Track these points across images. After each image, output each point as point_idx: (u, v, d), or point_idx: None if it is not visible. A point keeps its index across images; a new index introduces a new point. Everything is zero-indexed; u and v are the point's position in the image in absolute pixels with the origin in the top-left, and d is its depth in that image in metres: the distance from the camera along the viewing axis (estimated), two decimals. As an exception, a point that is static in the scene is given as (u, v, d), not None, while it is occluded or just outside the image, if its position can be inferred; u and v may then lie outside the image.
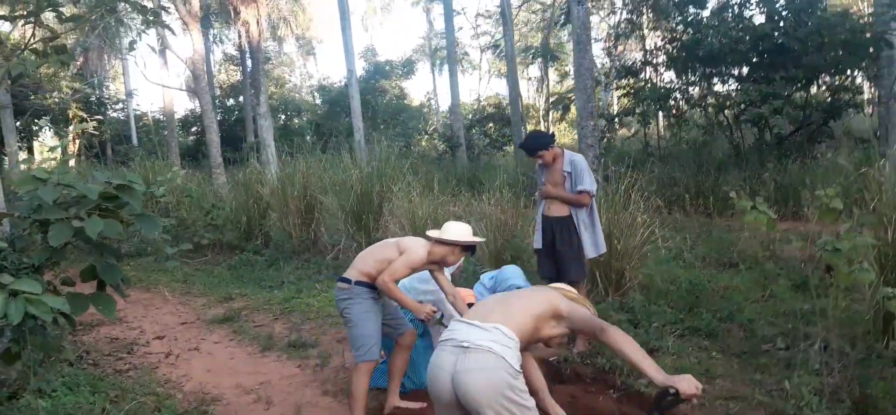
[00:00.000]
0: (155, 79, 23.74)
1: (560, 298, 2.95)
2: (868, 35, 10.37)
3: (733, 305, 5.83)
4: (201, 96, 13.98)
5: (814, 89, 12.47)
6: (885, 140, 9.08)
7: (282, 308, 7.05)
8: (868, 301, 4.07)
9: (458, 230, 4.10)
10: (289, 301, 7.23)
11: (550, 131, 8.12)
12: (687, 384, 2.52)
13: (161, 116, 24.56)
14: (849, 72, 11.67)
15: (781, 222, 9.39)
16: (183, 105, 29.38)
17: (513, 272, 5.61)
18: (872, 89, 10.93)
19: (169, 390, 4.93)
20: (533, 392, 2.97)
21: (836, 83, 12.15)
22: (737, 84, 12.88)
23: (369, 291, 4.01)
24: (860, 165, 10.75)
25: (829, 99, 12.13)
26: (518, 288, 4.47)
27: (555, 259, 5.21)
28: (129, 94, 24.54)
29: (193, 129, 26.78)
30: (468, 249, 4.19)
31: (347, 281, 4.04)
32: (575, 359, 4.97)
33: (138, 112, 25.97)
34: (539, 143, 5.14)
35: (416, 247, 4.03)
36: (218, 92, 26.80)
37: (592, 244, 5.21)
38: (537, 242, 5.29)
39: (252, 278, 8.59)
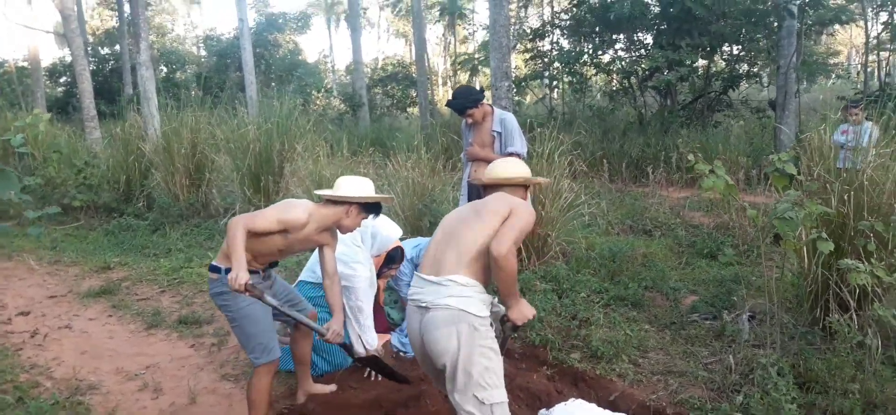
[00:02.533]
0: (17, 19, 21.15)
1: (506, 202, 2.82)
2: (769, 4, 10.67)
3: (655, 273, 5.72)
4: (72, 40, 12.44)
5: (717, 59, 12.82)
6: (782, 109, 9.36)
7: (169, 279, 6.30)
8: (809, 273, 3.96)
9: (354, 185, 3.35)
10: (177, 271, 6.48)
11: (479, 86, 7.69)
12: (517, 313, 2.72)
13: (25, 63, 22.06)
14: (750, 40, 12.03)
15: (685, 190, 9.59)
16: (50, 54, 26.73)
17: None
18: (772, 58, 11.31)
19: (35, 377, 4.21)
20: None
21: (736, 53, 12.53)
22: (640, 51, 13.00)
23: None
24: (756, 134, 11.29)
25: (729, 69, 12.51)
26: None
27: None
28: (-14, 38, 21.86)
29: (62, 79, 24.37)
30: (370, 209, 3.43)
31: (217, 270, 3.25)
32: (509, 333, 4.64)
33: (-2, 60, 23.28)
34: (469, 100, 4.69)
35: (296, 203, 3.30)
36: (91, 39, 24.41)
37: None
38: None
39: (133, 245, 7.69)
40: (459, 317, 2.58)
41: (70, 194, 8.96)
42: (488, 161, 4.75)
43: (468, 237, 2.72)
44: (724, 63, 12.92)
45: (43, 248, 7.65)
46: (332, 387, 3.92)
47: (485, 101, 4.78)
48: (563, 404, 3.65)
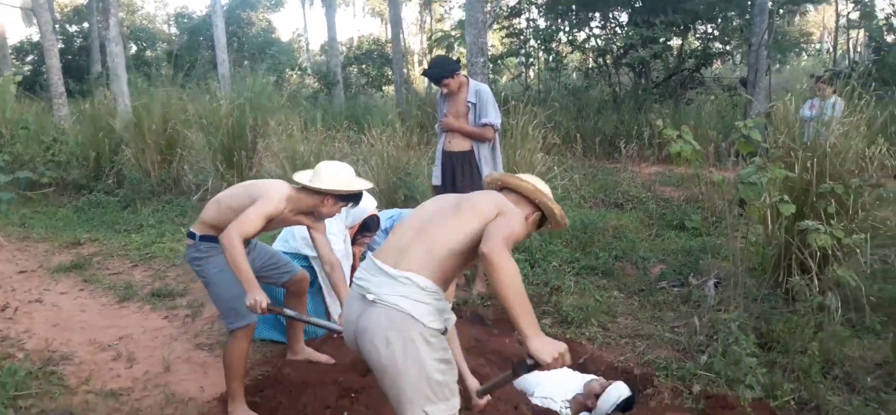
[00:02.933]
0: (-20, -4, 20.59)
1: (496, 203, 2.30)
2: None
3: (626, 244, 5.84)
4: (39, 15, 12.14)
5: (690, 37, 12.97)
6: (753, 87, 9.52)
7: (141, 254, 6.25)
8: (772, 236, 4.09)
9: (334, 175, 3.20)
10: (149, 246, 6.43)
11: (456, 57, 7.67)
12: (540, 347, 2.01)
13: (-11, 40, 21.52)
14: (724, 19, 12.19)
15: (656, 166, 9.74)
16: (16, 33, 26.07)
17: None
18: (745, 37, 11.48)
19: (6, 349, 4.16)
20: None
21: (710, 32, 12.69)
22: (614, 28, 13.11)
23: (218, 245, 3.13)
24: (727, 111, 11.48)
25: (702, 47, 12.67)
26: None
27: None
28: (-52, 14, 21.24)
29: (29, 58, 23.81)
30: (348, 198, 3.30)
31: (193, 235, 3.27)
32: (475, 300, 4.72)
33: (-38, 37, 22.64)
34: (445, 69, 4.69)
35: (273, 195, 3.15)
36: (59, 16, 23.87)
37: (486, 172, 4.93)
38: (436, 178, 4.92)
39: (104, 221, 7.61)
40: (409, 325, 2.13)
41: (38, 171, 8.80)
42: (463, 133, 4.79)
43: (439, 234, 2.27)
44: (697, 41, 13.08)
45: (11, 224, 7.53)
46: (326, 358, 3.88)
47: (461, 72, 4.80)
48: None
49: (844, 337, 3.55)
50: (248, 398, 3.35)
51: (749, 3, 10.50)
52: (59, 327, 4.59)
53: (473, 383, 2.68)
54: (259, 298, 2.97)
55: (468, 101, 4.72)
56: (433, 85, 4.97)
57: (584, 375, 3.66)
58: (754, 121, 3.65)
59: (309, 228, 3.41)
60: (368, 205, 4.48)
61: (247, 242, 3.30)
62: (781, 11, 12.14)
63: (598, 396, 3.39)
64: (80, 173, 9.12)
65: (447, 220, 2.29)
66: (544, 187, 2.52)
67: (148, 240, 6.63)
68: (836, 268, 3.44)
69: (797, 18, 26.35)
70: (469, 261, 2.31)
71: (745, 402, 2.97)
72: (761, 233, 4.28)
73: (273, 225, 3.31)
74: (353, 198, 3.31)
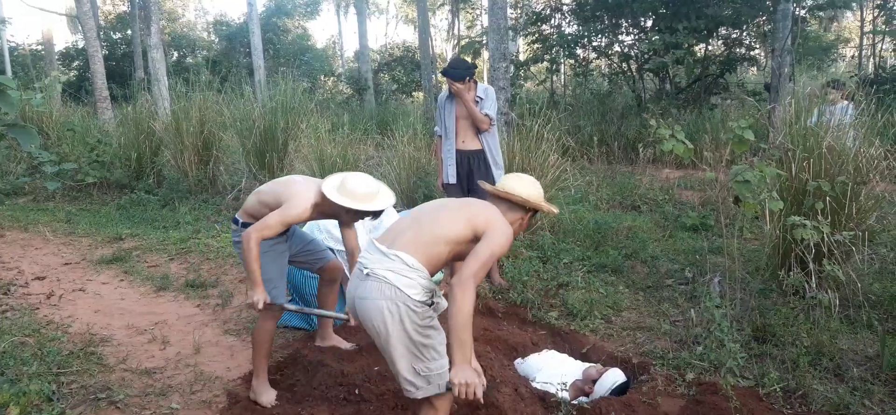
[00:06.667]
0: (32, 2, 21.48)
1: (486, 217, 2.61)
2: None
3: (637, 244, 6.00)
4: (84, 22, 12.77)
5: (713, 42, 13.00)
6: (776, 92, 9.55)
7: (178, 249, 6.62)
8: (769, 233, 4.24)
9: (355, 191, 3.33)
10: (185, 242, 6.81)
11: (474, 62, 7.98)
12: (458, 373, 2.38)
13: (39, 47, 22.46)
14: (746, 24, 12.20)
15: (678, 171, 9.81)
16: (63, 39, 27.03)
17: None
18: (767, 43, 11.48)
19: (51, 332, 4.52)
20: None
21: (733, 37, 12.69)
22: (639, 34, 13.20)
23: None
24: (752, 116, 11.47)
25: (726, 52, 12.69)
26: None
27: (469, 194, 5.13)
28: (2, 22, 22.24)
29: (75, 63, 24.72)
30: (368, 213, 3.44)
31: (237, 222, 3.64)
32: (487, 294, 4.94)
33: (13, 44, 23.63)
34: (469, 69, 5.06)
35: (299, 200, 3.36)
36: (103, 23, 24.77)
37: (501, 170, 5.21)
38: (450, 176, 5.18)
39: (144, 219, 8.04)
40: (394, 294, 2.45)
41: (84, 170, 9.29)
42: (468, 107, 5.02)
43: (429, 224, 2.62)
44: (722, 45, 13.09)
45: (58, 221, 7.99)
46: (351, 345, 4.13)
47: (474, 75, 5.13)
48: (536, 354, 3.96)
49: (835, 330, 3.68)
50: (270, 376, 3.64)
51: (772, 8, 10.52)
52: (100, 314, 4.94)
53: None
54: (257, 297, 3.31)
55: (477, 97, 5.02)
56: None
57: (583, 362, 3.88)
58: (746, 121, 3.81)
59: (340, 224, 3.69)
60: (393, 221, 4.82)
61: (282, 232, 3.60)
62: (806, 16, 12.10)
63: (594, 381, 3.61)
64: (123, 173, 9.59)
65: (440, 215, 2.66)
66: (533, 190, 2.82)
67: (184, 236, 7.00)
68: (827, 264, 3.58)
69: (834, 24, 25.99)
70: (457, 254, 2.63)
71: (728, 385, 3.15)
72: (767, 231, 4.43)
73: (301, 224, 3.63)
74: (374, 213, 3.46)
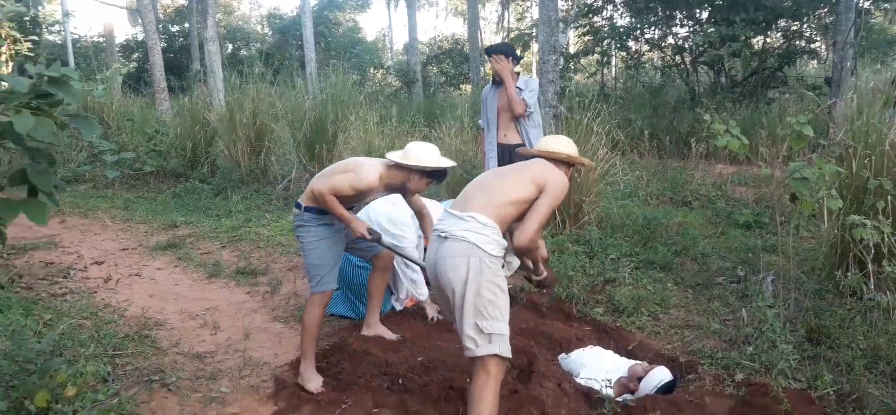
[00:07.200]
0: (94, -3, 22.22)
1: (543, 172, 2.96)
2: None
3: (688, 240, 5.87)
4: (144, 15, 13.17)
5: (771, 34, 12.59)
6: (837, 87, 9.19)
7: (230, 237, 6.79)
8: (827, 232, 4.09)
9: (421, 152, 3.58)
10: (237, 230, 6.98)
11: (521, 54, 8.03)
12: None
13: (100, 39, 23.25)
14: (807, 16, 11.78)
15: (732, 166, 9.55)
16: (123, 32, 27.90)
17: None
18: (829, 36, 11.06)
19: (108, 315, 4.70)
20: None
21: (793, 29, 12.27)
22: (694, 26, 12.87)
23: (320, 217, 3.65)
24: (811, 111, 11.07)
25: (785, 45, 12.27)
26: None
27: None
28: (66, 15, 23.10)
29: (135, 55, 25.54)
30: (434, 175, 3.64)
31: (299, 206, 3.73)
32: (531, 288, 4.90)
33: (76, 36, 24.52)
34: (509, 48, 5.12)
35: (367, 168, 3.57)
36: (162, 17, 25.50)
37: None
38: (492, 168, 5.17)
39: (198, 207, 8.26)
40: (471, 251, 2.72)
41: (141, 159, 9.60)
42: (508, 86, 5.01)
43: (498, 186, 2.92)
44: (781, 38, 12.66)
45: (116, 207, 8.29)
46: (396, 336, 4.17)
47: (518, 64, 5.12)
48: (580, 349, 3.92)
49: (894, 333, 3.54)
50: (316, 363, 3.70)
51: (835, 0, 10.12)
52: (154, 298, 5.11)
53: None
54: (361, 228, 3.60)
55: (517, 87, 5.00)
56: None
57: (629, 359, 3.81)
58: (805, 116, 3.68)
59: (407, 199, 3.87)
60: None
61: (349, 201, 3.72)
62: (870, 8, 11.60)
63: (640, 379, 3.54)
64: (178, 162, 9.88)
65: (506, 178, 3.00)
66: (572, 148, 3.25)
67: (236, 224, 7.17)
68: (887, 265, 3.44)
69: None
70: (522, 212, 2.92)
71: (779, 387, 3.06)
72: (825, 230, 4.28)
73: (368, 197, 3.88)
74: (437, 175, 3.67)
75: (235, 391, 3.57)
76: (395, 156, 3.62)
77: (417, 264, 4.31)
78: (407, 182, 3.62)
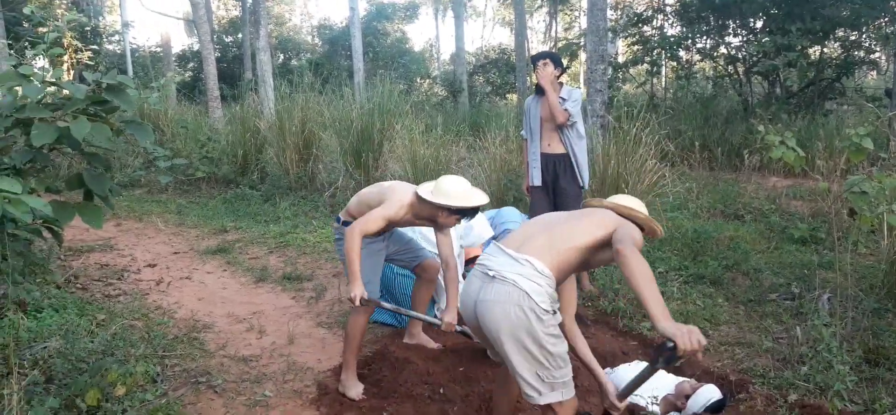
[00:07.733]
0: (152, 6, 23.03)
1: (613, 222, 2.59)
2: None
3: (739, 255, 5.71)
4: (199, 27, 13.56)
5: (829, 44, 12.20)
6: (897, 98, 8.83)
7: (277, 242, 6.91)
8: (887, 249, 3.92)
9: (449, 190, 3.43)
10: (284, 236, 7.09)
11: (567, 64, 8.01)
12: (687, 339, 2.08)
13: (158, 49, 24.02)
14: (866, 25, 11.37)
15: (787, 179, 9.26)
16: (180, 42, 28.73)
17: (510, 215, 5.49)
18: (889, 46, 10.65)
19: (159, 317, 4.82)
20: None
21: (851, 39, 11.86)
22: (748, 36, 12.55)
23: None
24: (870, 123, 10.66)
25: (844, 55, 11.87)
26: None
27: (554, 197, 5.07)
28: (126, 25, 23.96)
29: (190, 65, 26.30)
30: (464, 213, 3.50)
31: (339, 220, 3.82)
32: (578, 301, 4.84)
33: (134, 46, 25.40)
34: (554, 56, 5.09)
35: (397, 200, 3.51)
36: (217, 28, 26.21)
37: (586, 175, 5.14)
38: (536, 179, 5.12)
39: (247, 213, 8.43)
40: (521, 298, 2.39)
41: (194, 166, 9.86)
42: (550, 97, 4.93)
43: (564, 230, 2.59)
44: (839, 48, 12.25)
45: (169, 212, 8.52)
46: (437, 345, 4.18)
47: (563, 75, 5.08)
48: (626, 364, 3.84)
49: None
50: (358, 370, 3.72)
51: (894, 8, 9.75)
52: (203, 301, 5.22)
53: (611, 387, 2.91)
54: (355, 292, 3.36)
55: (561, 98, 4.95)
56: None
57: (677, 376, 3.71)
58: (865, 129, 3.54)
59: (435, 230, 3.75)
60: (485, 233, 4.87)
61: (381, 232, 3.71)
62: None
63: (688, 397, 3.44)
64: (230, 169, 10.10)
65: (574, 223, 2.64)
66: (639, 205, 2.82)
67: (283, 230, 7.29)
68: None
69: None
70: (585, 262, 2.62)
71: (834, 409, 2.93)
72: (877, 245, 4.11)
73: (400, 225, 3.74)
74: (467, 212, 3.52)
75: (279, 395, 3.61)
76: (424, 190, 3.51)
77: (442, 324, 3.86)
78: (436, 216, 3.52)
